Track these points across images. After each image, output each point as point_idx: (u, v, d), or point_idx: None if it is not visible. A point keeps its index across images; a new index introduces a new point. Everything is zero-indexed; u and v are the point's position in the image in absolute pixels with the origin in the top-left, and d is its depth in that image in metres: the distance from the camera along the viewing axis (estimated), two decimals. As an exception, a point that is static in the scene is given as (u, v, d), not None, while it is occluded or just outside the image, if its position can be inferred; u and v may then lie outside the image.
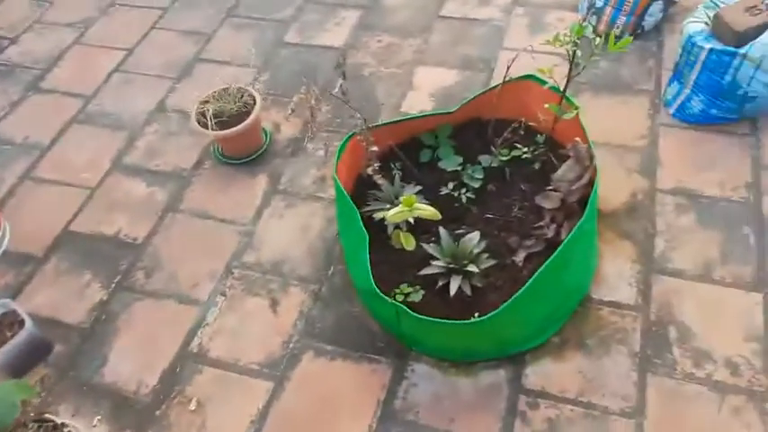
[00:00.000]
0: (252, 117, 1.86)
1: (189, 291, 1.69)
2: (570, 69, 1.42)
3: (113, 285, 1.72)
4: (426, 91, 2.11)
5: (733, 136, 1.86)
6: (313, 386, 1.49)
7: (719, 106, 1.80)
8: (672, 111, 1.92)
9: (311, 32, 2.39)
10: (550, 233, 1.46)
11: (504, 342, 1.43)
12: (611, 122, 1.92)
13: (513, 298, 1.25)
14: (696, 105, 1.84)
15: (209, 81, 2.23)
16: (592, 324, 1.52)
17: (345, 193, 1.44)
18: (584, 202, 1.46)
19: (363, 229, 1.38)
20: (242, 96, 1.91)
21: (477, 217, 1.59)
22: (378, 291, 1.32)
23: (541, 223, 1.52)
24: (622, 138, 1.89)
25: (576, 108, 1.46)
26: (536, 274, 1.28)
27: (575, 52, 1.37)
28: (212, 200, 1.89)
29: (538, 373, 1.45)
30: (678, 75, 1.89)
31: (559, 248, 1.29)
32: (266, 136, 2.02)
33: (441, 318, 1.31)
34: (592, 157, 1.36)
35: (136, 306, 1.68)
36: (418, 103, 2.07)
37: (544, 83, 1.64)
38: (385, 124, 1.60)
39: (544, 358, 1.47)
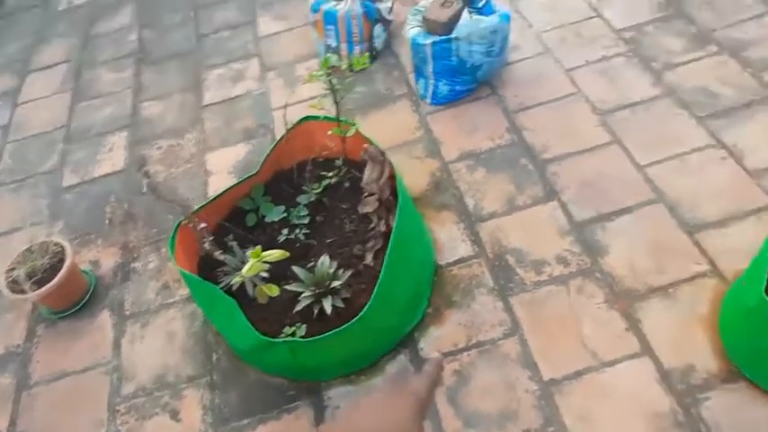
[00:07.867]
0: (68, 262, 1.95)
1: (81, 450, 1.71)
2: (335, 96, 1.78)
3: (-6, 490, 1.67)
4: (224, 171, 2.36)
5: (480, 100, 2.39)
6: (248, 462, 1.61)
7: (460, 82, 2.32)
8: (429, 101, 2.41)
9: (87, 168, 2.51)
10: (382, 227, 1.79)
11: (392, 331, 1.70)
12: (388, 130, 2.34)
13: (377, 284, 1.54)
14: (443, 89, 2.35)
15: (3, 255, 2.25)
16: (451, 284, 1.86)
17: (192, 274, 1.61)
18: (395, 193, 1.82)
19: (226, 296, 1.56)
20: (47, 249, 1.99)
21: (319, 247, 1.86)
22: (266, 338, 1.51)
23: (372, 225, 1.84)
24: (402, 137, 2.32)
25: (353, 124, 1.82)
26: (385, 257, 1.58)
27: (331, 80, 1.73)
28: (64, 357, 1.92)
29: (430, 342, 1.74)
30: (419, 72, 2.38)
31: (393, 230, 1.61)
32: (90, 277, 2.10)
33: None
34: (383, 153, 1.72)
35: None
36: (222, 183, 2.31)
37: (319, 117, 2.01)
38: (203, 205, 1.81)
39: (428, 329, 1.77)
